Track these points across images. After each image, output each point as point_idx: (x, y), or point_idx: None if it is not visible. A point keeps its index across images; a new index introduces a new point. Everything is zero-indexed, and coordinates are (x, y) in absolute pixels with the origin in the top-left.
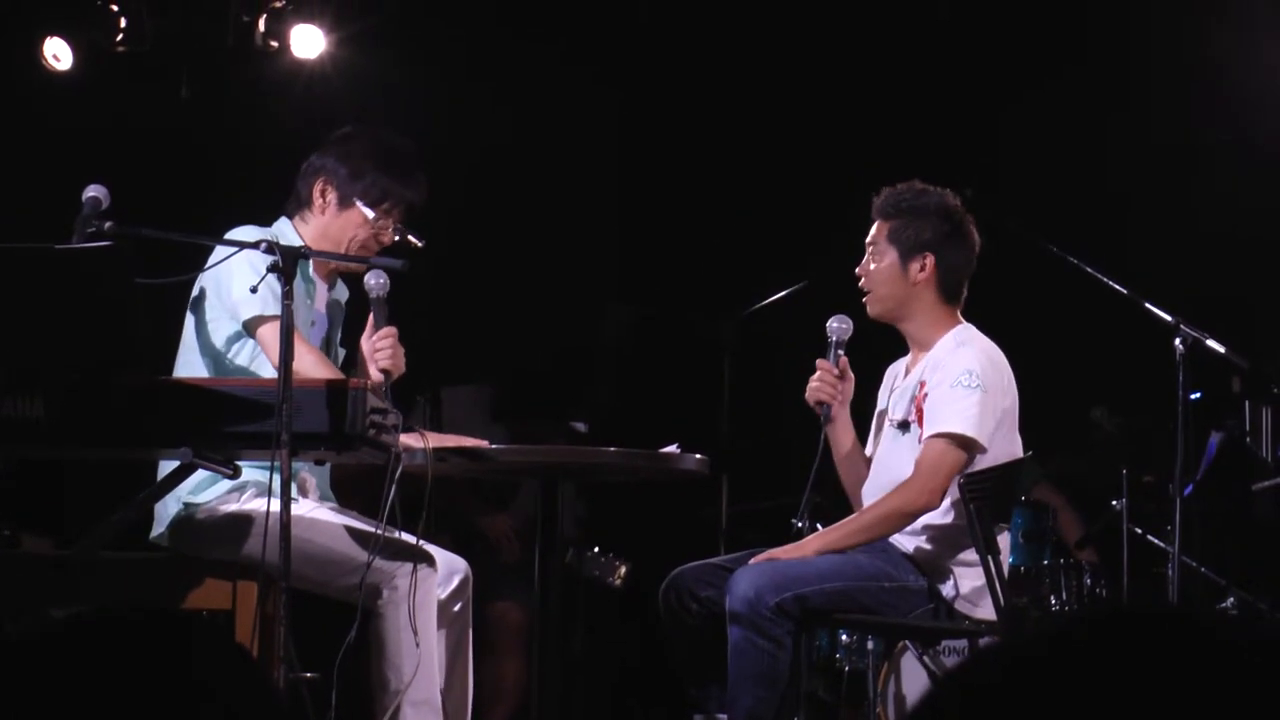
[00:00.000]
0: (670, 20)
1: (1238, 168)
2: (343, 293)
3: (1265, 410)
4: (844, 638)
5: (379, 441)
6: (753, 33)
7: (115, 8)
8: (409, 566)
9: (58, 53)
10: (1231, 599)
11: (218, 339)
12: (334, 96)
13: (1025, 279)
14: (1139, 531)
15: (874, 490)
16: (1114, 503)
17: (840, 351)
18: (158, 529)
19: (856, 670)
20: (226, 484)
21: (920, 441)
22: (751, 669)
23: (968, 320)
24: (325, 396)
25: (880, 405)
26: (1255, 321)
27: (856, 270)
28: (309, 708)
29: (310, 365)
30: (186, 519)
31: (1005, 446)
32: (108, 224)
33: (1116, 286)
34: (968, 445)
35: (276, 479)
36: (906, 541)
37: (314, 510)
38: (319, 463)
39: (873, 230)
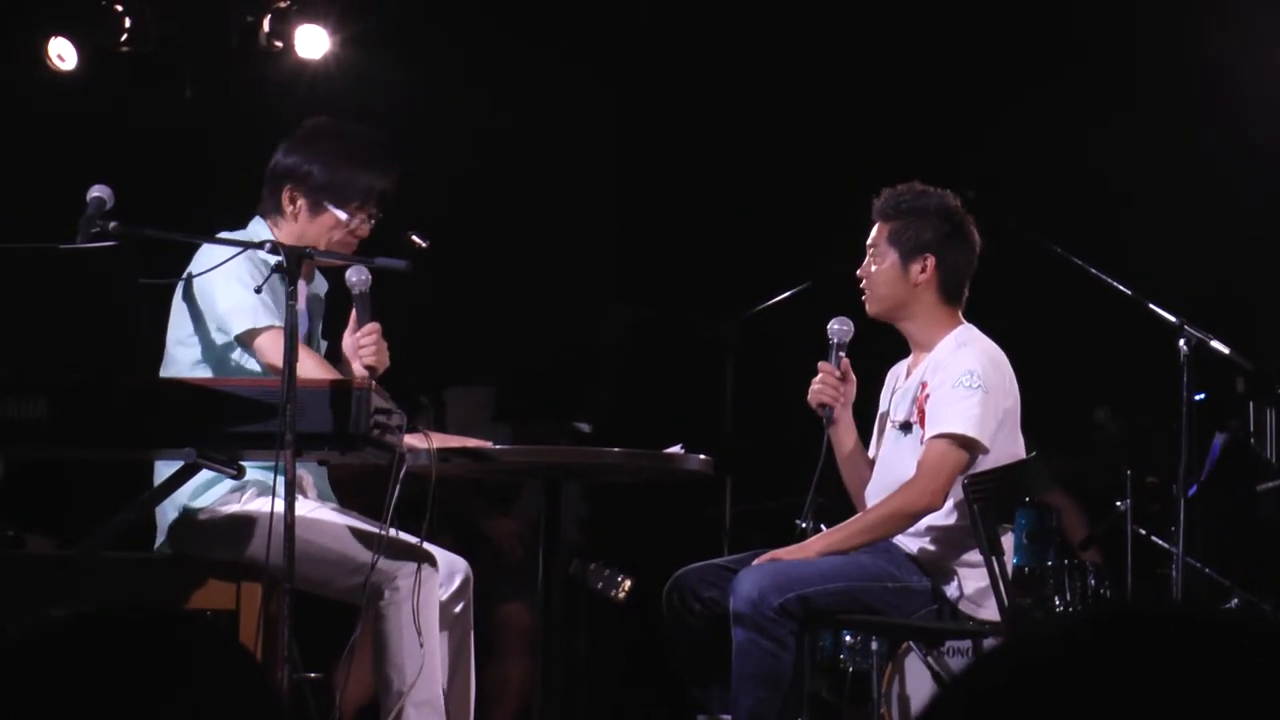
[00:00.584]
0: (670, 20)
1: (1239, 168)
2: (321, 286)
3: (1269, 411)
4: (847, 638)
5: (383, 442)
6: (753, 33)
7: (119, 8)
8: (411, 567)
9: (62, 53)
10: (1235, 600)
11: (203, 343)
12: (338, 96)
13: (1028, 280)
14: (1143, 532)
15: (877, 491)
16: (1118, 503)
17: (841, 353)
18: (160, 538)
19: (860, 671)
20: (227, 485)
21: (922, 442)
22: (755, 669)
23: (971, 321)
24: (329, 397)
25: (882, 407)
26: (1259, 322)
27: (858, 272)
28: (312, 708)
29: (312, 369)
30: (189, 520)
31: (1008, 447)
32: (112, 224)
33: (1120, 287)
34: (969, 445)
35: (278, 479)
36: (910, 542)
37: (316, 510)
38: (321, 463)
39: (873, 232)
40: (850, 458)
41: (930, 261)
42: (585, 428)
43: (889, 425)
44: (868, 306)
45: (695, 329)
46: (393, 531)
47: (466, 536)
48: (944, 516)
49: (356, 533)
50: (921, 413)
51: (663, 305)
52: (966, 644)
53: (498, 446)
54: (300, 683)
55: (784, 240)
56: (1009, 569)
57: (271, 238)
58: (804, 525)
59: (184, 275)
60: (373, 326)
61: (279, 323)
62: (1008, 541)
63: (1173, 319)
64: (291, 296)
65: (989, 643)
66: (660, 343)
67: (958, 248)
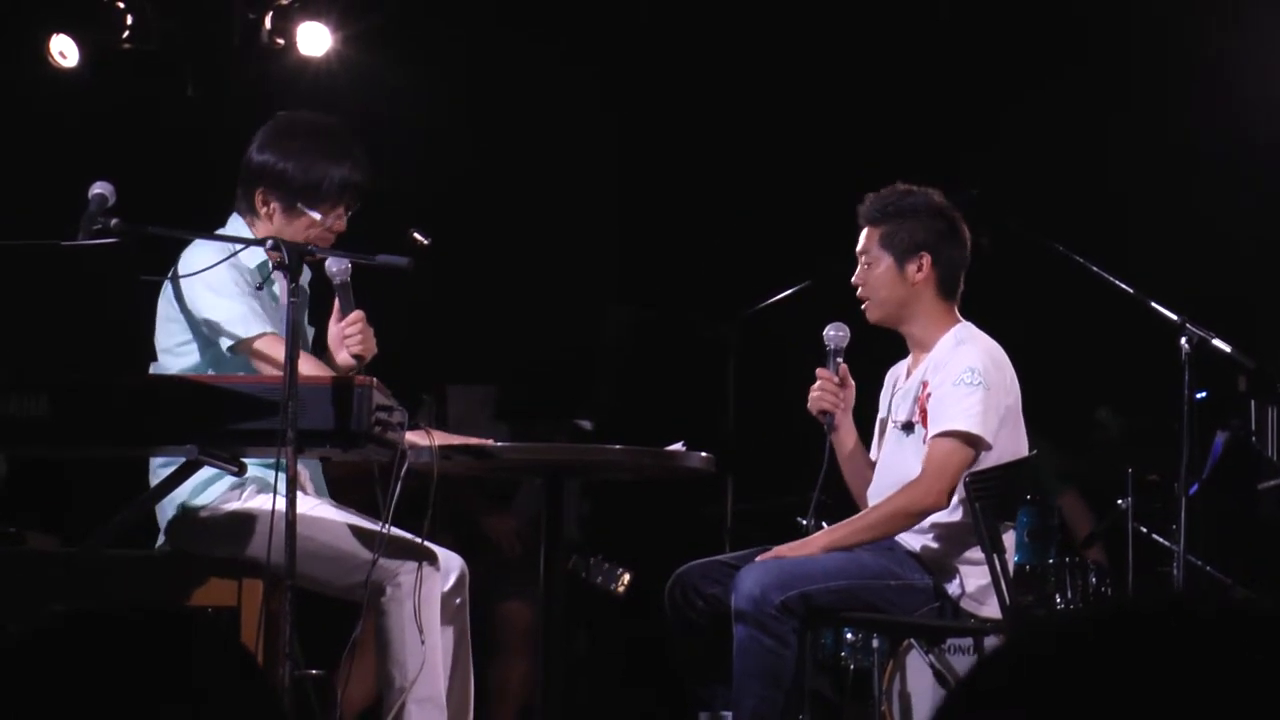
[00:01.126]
0: (671, 20)
1: (1239, 167)
2: (304, 276)
3: (1271, 409)
4: (849, 636)
5: (384, 439)
6: (754, 33)
7: (121, 5)
8: (412, 564)
9: (64, 50)
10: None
11: (195, 350)
12: (340, 94)
13: (1029, 279)
14: (1144, 530)
15: (879, 492)
16: (1119, 502)
17: (839, 359)
18: (161, 538)
19: (861, 669)
20: (227, 483)
21: (925, 442)
22: (756, 667)
23: (972, 319)
24: (331, 394)
25: (882, 409)
26: (1260, 321)
27: (853, 280)
28: (314, 705)
29: (309, 371)
30: (189, 518)
31: (1010, 444)
32: (113, 221)
33: (1122, 286)
34: (973, 443)
35: (278, 475)
36: (912, 540)
37: (316, 508)
38: (323, 460)
39: (862, 239)
40: (852, 461)
41: (927, 260)
42: (587, 425)
43: (890, 426)
44: (869, 313)
45: (696, 328)
46: (393, 529)
47: (468, 535)
48: (946, 514)
49: (357, 530)
50: (923, 412)
51: (663, 304)
52: (968, 642)
53: (499, 444)
54: (302, 680)
55: (784, 239)
56: (1010, 567)
57: (247, 234)
58: (807, 523)
59: (169, 275)
60: (357, 315)
61: (270, 328)
62: (1009, 539)
63: (1174, 317)
64: (294, 294)
65: (990, 641)
66: (661, 341)
67: (951, 244)
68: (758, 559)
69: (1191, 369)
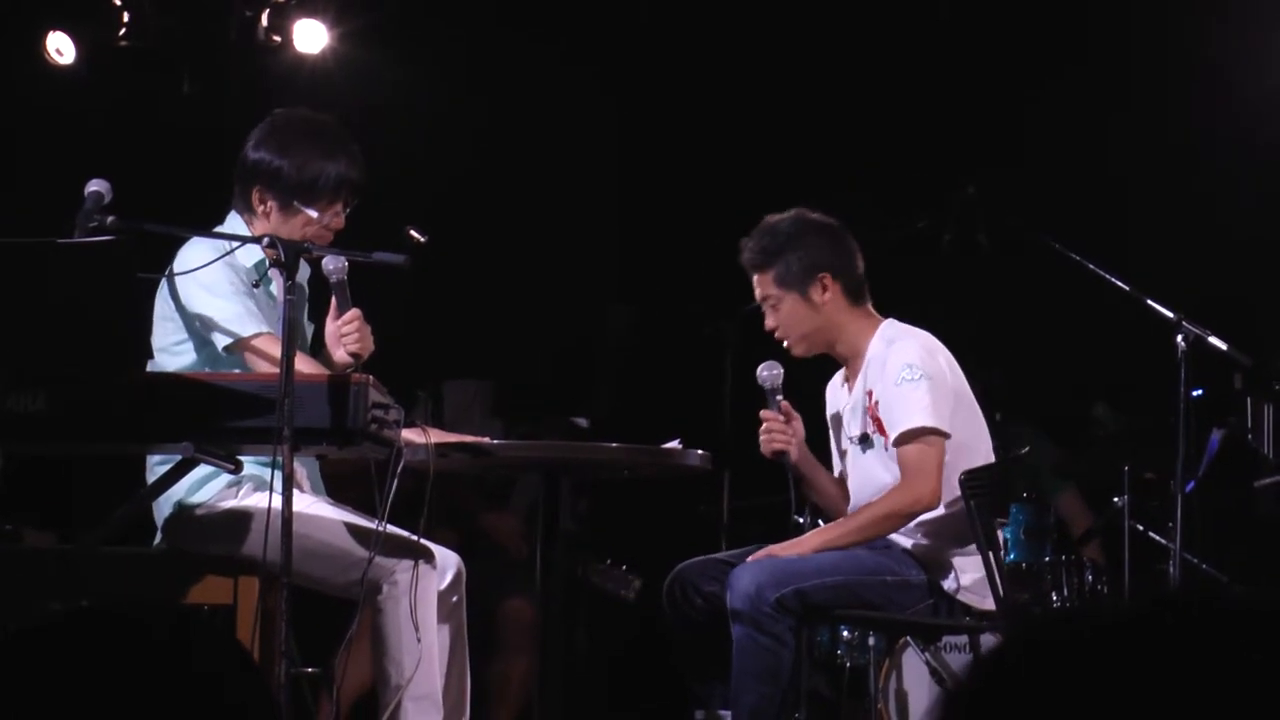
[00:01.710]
0: (671, 18)
1: (1239, 166)
2: (303, 272)
3: (1266, 407)
4: (845, 634)
5: (381, 436)
6: (754, 32)
7: (118, 2)
8: (409, 562)
9: (60, 47)
10: None
11: (191, 350)
12: (336, 91)
13: (1027, 277)
14: (1140, 528)
15: (863, 494)
16: (1115, 500)
17: (778, 397)
18: (158, 536)
19: (858, 666)
20: (223, 481)
21: (888, 449)
22: (754, 666)
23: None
24: (327, 391)
25: (831, 427)
26: (1256, 319)
27: (766, 327)
28: (310, 702)
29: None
30: (185, 516)
31: (966, 426)
32: (110, 218)
33: (1118, 283)
34: (935, 434)
35: (275, 473)
36: (905, 537)
37: (313, 505)
38: (319, 457)
39: (756, 286)
40: (820, 486)
41: (827, 278)
42: (583, 423)
43: (846, 442)
44: (794, 350)
45: (694, 325)
46: (390, 527)
47: (468, 533)
48: (939, 510)
49: (354, 528)
50: (877, 421)
51: (662, 301)
52: (964, 639)
53: (496, 442)
54: (298, 677)
55: None
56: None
57: (245, 232)
58: (803, 521)
59: (166, 272)
60: (354, 313)
61: (266, 328)
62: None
63: (1170, 315)
64: (290, 291)
65: (986, 638)
66: (659, 339)
67: (839, 251)
68: (751, 558)
69: (1187, 366)
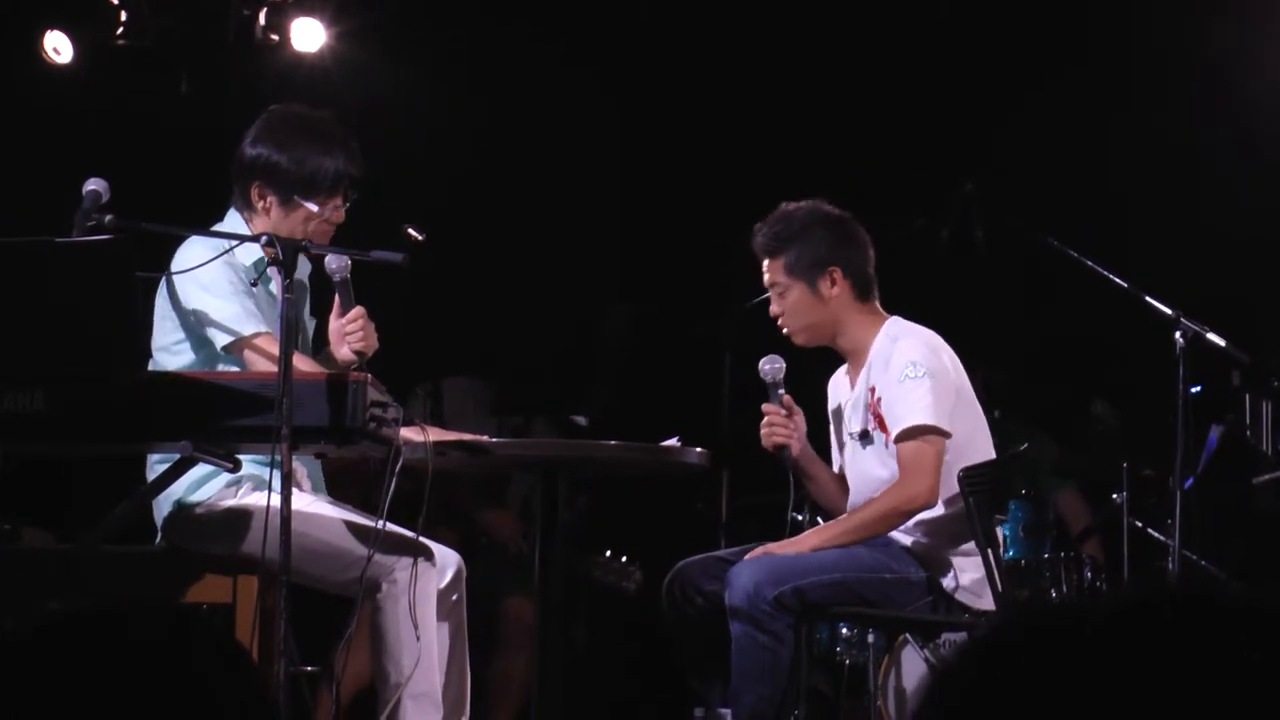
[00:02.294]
0: (672, 18)
1: (1238, 165)
2: (305, 269)
3: (1265, 404)
4: (844, 631)
5: (379, 435)
6: (754, 32)
7: (116, 2)
8: (408, 560)
9: (58, 46)
10: None
11: (189, 350)
12: (334, 90)
13: (1027, 275)
14: (1139, 525)
15: (861, 492)
16: (1114, 496)
17: (780, 391)
18: (158, 535)
19: (857, 664)
20: (222, 480)
21: (888, 445)
22: (753, 665)
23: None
24: (325, 390)
25: (832, 422)
26: (1255, 316)
27: (770, 312)
28: (309, 701)
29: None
30: (184, 515)
31: (966, 424)
32: (108, 217)
33: (1117, 280)
34: (935, 433)
35: (274, 472)
36: (904, 535)
37: (312, 504)
38: (317, 456)
39: (766, 272)
40: (820, 481)
41: (837, 273)
42: (582, 421)
43: (847, 438)
44: (796, 339)
45: (693, 323)
46: (389, 525)
47: (468, 532)
48: (938, 509)
49: (353, 526)
50: (878, 418)
51: (662, 300)
52: (963, 636)
53: (494, 440)
54: (297, 676)
55: None
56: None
57: (245, 230)
58: (800, 519)
59: (165, 271)
60: (358, 311)
61: (265, 327)
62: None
63: (1169, 312)
64: (289, 290)
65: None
66: (658, 337)
67: (852, 247)
68: (748, 555)
69: (1186, 363)
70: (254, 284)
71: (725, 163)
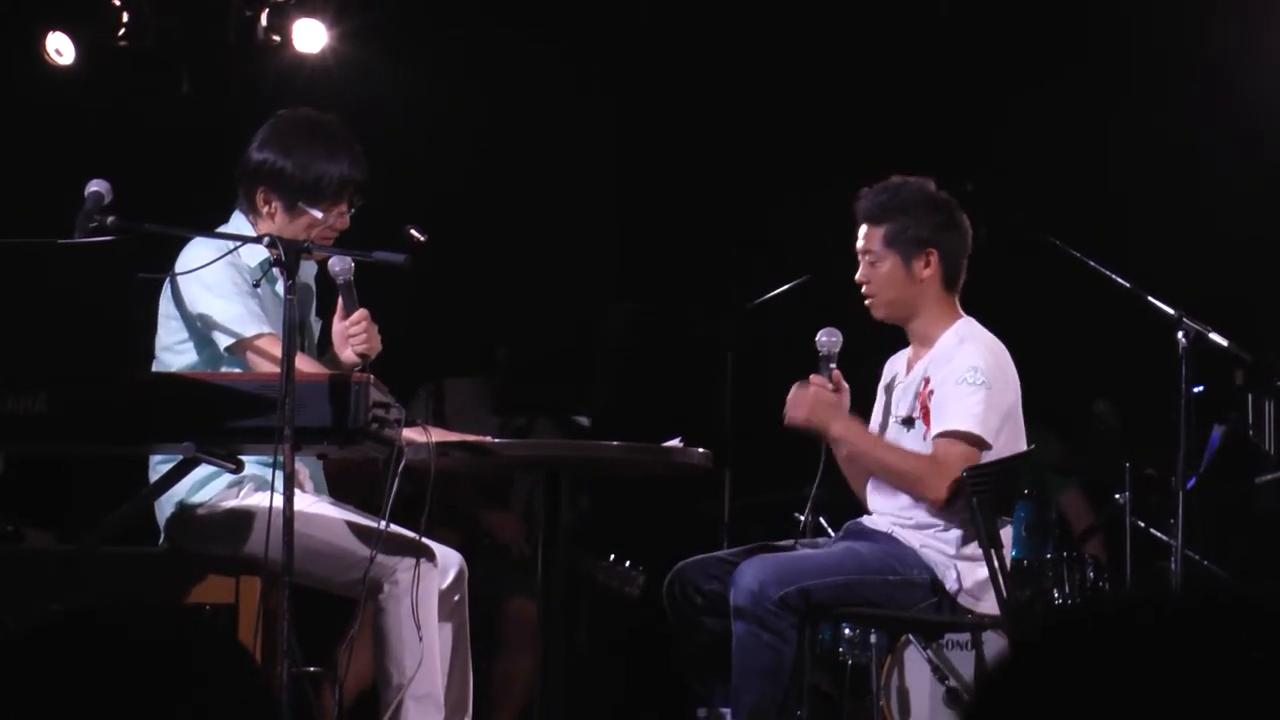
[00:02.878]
0: (671, 16)
1: (1239, 165)
2: (309, 271)
3: (1267, 403)
4: (847, 631)
5: (382, 436)
6: (753, 30)
7: (117, 3)
8: (410, 561)
9: (60, 47)
10: None
11: (193, 350)
12: (335, 91)
13: (1028, 274)
14: (1142, 525)
15: (880, 488)
16: (1117, 496)
17: (832, 365)
18: (161, 536)
19: (859, 664)
20: (225, 481)
21: (926, 439)
22: (755, 663)
23: (970, 313)
24: (328, 391)
25: (880, 400)
26: (1257, 315)
27: (857, 278)
28: (313, 702)
29: (306, 369)
30: (187, 516)
31: (1009, 443)
32: (110, 219)
33: (1119, 280)
34: (975, 443)
35: (276, 473)
36: (910, 536)
37: (314, 505)
38: (320, 457)
39: (862, 237)
40: (850, 461)
41: (934, 256)
42: (584, 421)
43: (891, 420)
44: (875, 312)
45: (694, 323)
46: (392, 526)
47: (470, 534)
48: (944, 510)
49: (355, 527)
50: (925, 409)
51: (663, 300)
52: (966, 637)
53: (497, 440)
54: (300, 677)
55: (782, 235)
56: (1008, 562)
57: (250, 232)
58: (804, 519)
59: (169, 273)
60: (361, 313)
61: (268, 328)
62: (1006, 535)
63: (1171, 311)
64: (290, 291)
65: (988, 636)
66: (659, 337)
67: (953, 235)
68: (795, 388)
69: (1189, 363)
70: (256, 285)
71: (724, 162)
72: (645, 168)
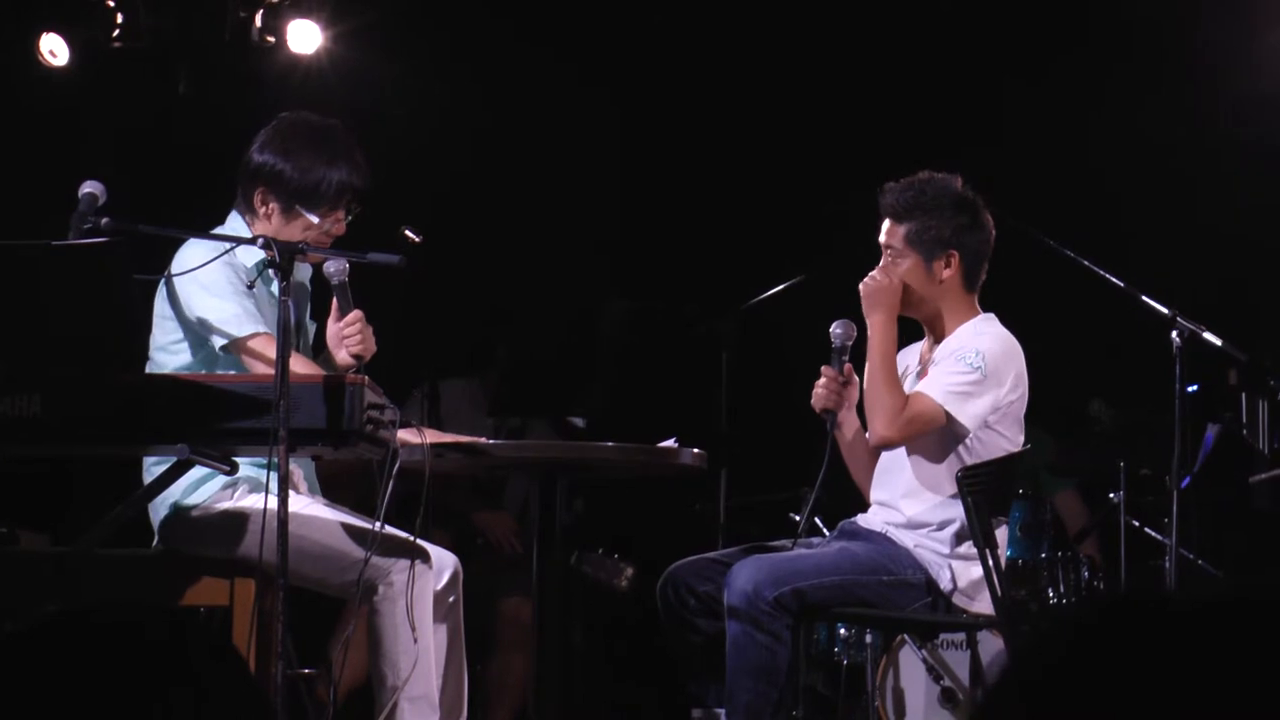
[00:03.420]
0: (669, 15)
1: (1237, 164)
2: (305, 271)
3: (1262, 402)
4: (842, 631)
5: (376, 437)
6: (752, 28)
7: (111, 4)
8: (405, 562)
9: (54, 48)
10: None
11: (188, 350)
12: (330, 92)
13: (1023, 273)
14: (1137, 524)
15: (883, 478)
16: (1112, 495)
17: (844, 357)
18: (155, 538)
19: (855, 664)
20: (219, 482)
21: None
22: (750, 664)
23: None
24: (323, 392)
25: None
26: (1252, 315)
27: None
28: (307, 703)
29: (301, 370)
30: (181, 518)
31: (1003, 440)
32: (104, 220)
33: (1114, 280)
34: (946, 416)
35: (271, 475)
36: (905, 536)
37: (309, 506)
38: (315, 458)
39: (885, 232)
40: (855, 453)
41: (955, 258)
42: (579, 422)
43: None
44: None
45: (691, 322)
46: (386, 527)
47: (464, 534)
48: (939, 510)
49: (350, 529)
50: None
51: (659, 300)
52: (960, 637)
53: (491, 442)
54: (295, 678)
55: (780, 234)
56: (1003, 562)
57: (247, 233)
58: (801, 520)
59: (165, 274)
60: (356, 315)
61: (263, 328)
62: (1001, 535)
63: (1165, 311)
64: (285, 292)
65: (983, 635)
66: (655, 336)
67: (975, 236)
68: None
69: (1183, 362)
70: (251, 285)
71: (723, 161)
72: (642, 167)
